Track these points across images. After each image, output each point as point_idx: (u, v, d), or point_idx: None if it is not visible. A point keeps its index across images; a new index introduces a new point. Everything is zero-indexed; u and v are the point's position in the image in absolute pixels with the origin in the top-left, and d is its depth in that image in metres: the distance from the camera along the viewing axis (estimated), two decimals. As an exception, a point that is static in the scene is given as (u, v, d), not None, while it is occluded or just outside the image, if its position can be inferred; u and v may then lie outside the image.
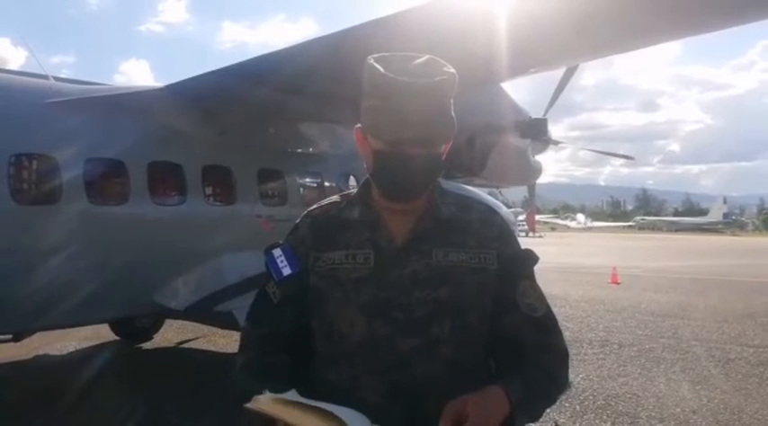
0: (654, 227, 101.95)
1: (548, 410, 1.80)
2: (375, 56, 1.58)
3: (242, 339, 1.83)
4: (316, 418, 1.38)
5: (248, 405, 1.42)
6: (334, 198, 1.84)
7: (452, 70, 1.57)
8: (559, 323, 1.77)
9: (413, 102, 1.50)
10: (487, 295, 1.67)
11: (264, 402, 1.42)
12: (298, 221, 1.83)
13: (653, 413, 6.13)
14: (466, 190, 8.13)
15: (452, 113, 1.58)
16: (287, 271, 1.72)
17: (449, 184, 1.87)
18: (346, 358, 1.64)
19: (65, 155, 5.88)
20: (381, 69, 1.53)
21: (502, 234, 1.74)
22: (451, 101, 1.58)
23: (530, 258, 1.76)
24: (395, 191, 1.65)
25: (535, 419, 1.71)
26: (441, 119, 1.55)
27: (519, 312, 1.68)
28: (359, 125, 1.65)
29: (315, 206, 1.84)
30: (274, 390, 1.55)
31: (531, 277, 1.74)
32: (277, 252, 1.75)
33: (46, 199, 5.92)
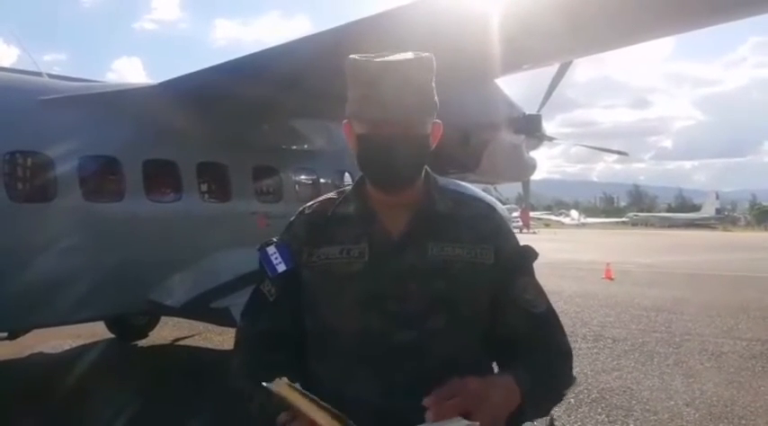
0: (647, 223, 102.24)
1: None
2: (355, 55, 1.61)
3: (237, 337, 1.81)
4: (324, 413, 1.38)
5: (268, 385, 1.41)
6: (331, 194, 1.83)
7: (428, 54, 1.59)
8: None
9: (387, 80, 1.53)
10: (483, 290, 1.66)
11: (282, 385, 1.42)
12: (292, 218, 1.82)
13: (647, 406, 6.18)
14: (464, 187, 8.14)
15: (433, 93, 1.60)
16: (281, 268, 1.71)
17: (446, 181, 1.87)
18: (340, 352, 1.63)
19: (59, 153, 5.87)
20: (357, 57, 1.58)
21: (499, 229, 1.73)
22: (430, 82, 1.60)
23: (529, 254, 1.74)
24: (381, 176, 1.64)
25: (543, 414, 1.69)
26: (417, 96, 1.56)
27: (518, 308, 1.66)
28: (346, 121, 1.67)
29: (311, 203, 1.83)
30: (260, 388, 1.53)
31: (530, 273, 1.73)
32: (271, 249, 1.74)
33: (41, 197, 5.92)
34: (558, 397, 1.72)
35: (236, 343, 1.80)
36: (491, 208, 1.79)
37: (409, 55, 1.58)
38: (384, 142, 1.57)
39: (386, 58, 1.57)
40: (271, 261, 1.72)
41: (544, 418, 1.79)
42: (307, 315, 1.70)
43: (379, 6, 4.96)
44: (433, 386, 1.45)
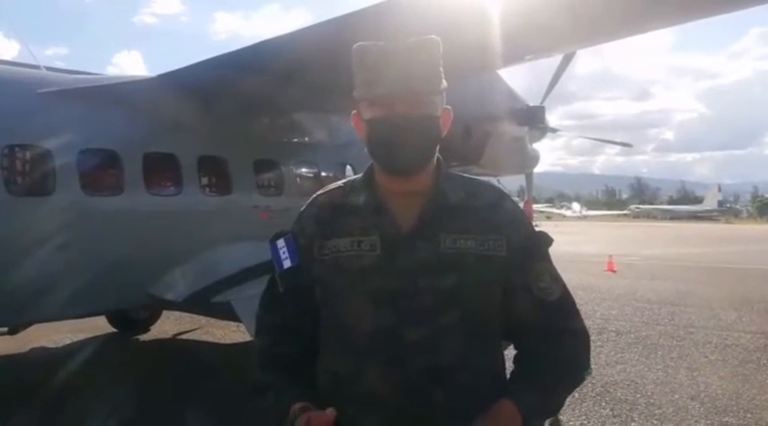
0: (649, 216, 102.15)
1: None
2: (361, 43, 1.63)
3: (256, 325, 1.84)
4: None
5: None
6: (339, 183, 1.82)
7: (434, 36, 1.60)
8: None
9: (394, 58, 1.54)
10: (497, 282, 1.64)
11: None
12: (302, 209, 1.81)
13: (651, 400, 6.14)
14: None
15: (440, 74, 1.60)
16: (287, 264, 1.71)
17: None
18: (353, 348, 1.62)
19: (58, 146, 5.81)
20: (364, 43, 1.59)
21: (512, 218, 1.71)
22: (437, 62, 1.59)
23: (543, 240, 1.73)
24: (392, 160, 1.62)
25: (554, 414, 1.76)
26: (424, 71, 1.56)
27: (533, 296, 1.65)
28: (354, 112, 1.66)
29: (320, 191, 1.82)
30: (280, 383, 1.60)
31: (545, 259, 1.72)
32: (280, 242, 1.74)
33: (40, 191, 5.86)
34: (570, 391, 1.74)
35: (256, 332, 1.84)
36: (502, 196, 1.77)
37: (415, 38, 1.58)
38: (394, 123, 1.56)
39: (392, 42, 1.57)
40: (279, 256, 1.73)
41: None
42: (322, 309, 1.70)
43: (380, -3, 4.88)
44: (447, 382, 1.53)
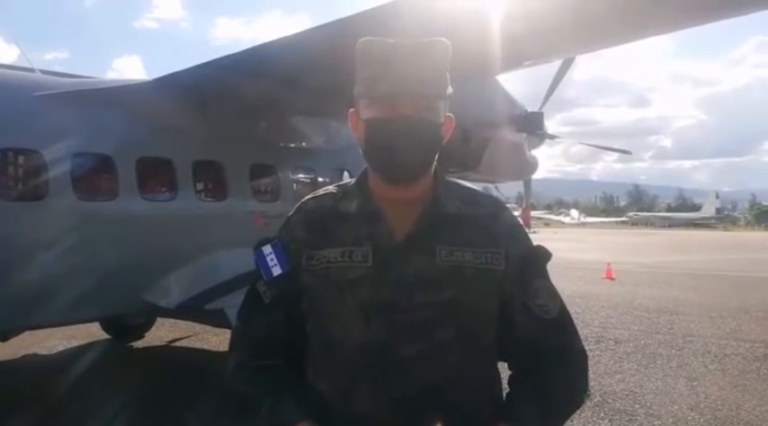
0: (647, 223, 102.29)
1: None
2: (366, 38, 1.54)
3: (233, 338, 1.73)
4: None
5: None
6: (330, 188, 1.72)
7: (444, 39, 1.52)
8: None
9: (400, 56, 1.46)
10: (494, 298, 1.57)
11: None
12: (290, 213, 1.72)
13: (650, 410, 6.07)
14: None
15: (446, 77, 1.52)
16: (277, 271, 1.62)
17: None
18: (342, 364, 1.53)
19: (52, 150, 5.72)
20: (369, 39, 1.51)
21: (510, 231, 1.63)
22: (445, 66, 1.52)
23: (541, 255, 1.66)
24: (389, 165, 1.53)
25: None
26: (430, 73, 1.48)
27: (531, 314, 1.58)
28: (352, 109, 1.58)
29: (309, 196, 1.73)
30: (265, 396, 1.50)
31: (543, 275, 1.65)
32: (267, 249, 1.64)
33: (33, 195, 5.79)
34: (570, 414, 1.65)
35: (232, 345, 1.73)
36: (501, 207, 1.69)
37: (425, 39, 1.50)
38: (394, 125, 1.47)
39: (401, 40, 1.49)
40: (266, 264, 1.63)
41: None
42: (308, 321, 1.61)
43: (379, 2, 4.84)
44: (441, 401, 1.45)
